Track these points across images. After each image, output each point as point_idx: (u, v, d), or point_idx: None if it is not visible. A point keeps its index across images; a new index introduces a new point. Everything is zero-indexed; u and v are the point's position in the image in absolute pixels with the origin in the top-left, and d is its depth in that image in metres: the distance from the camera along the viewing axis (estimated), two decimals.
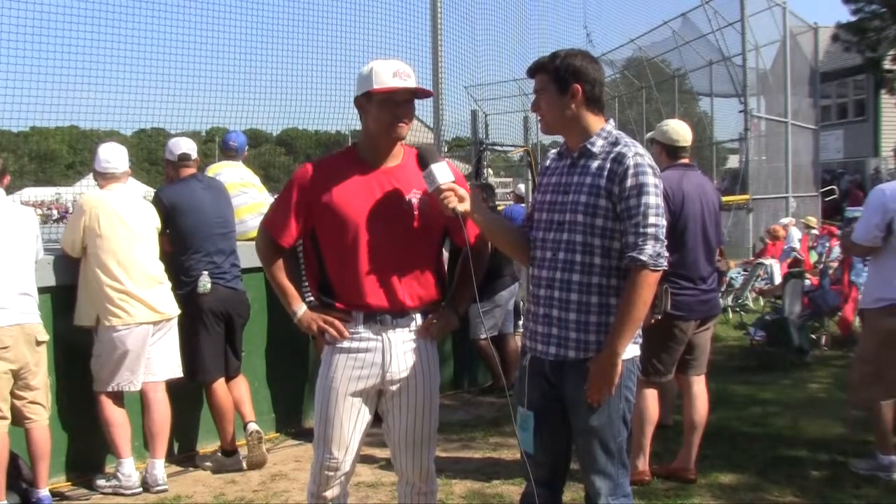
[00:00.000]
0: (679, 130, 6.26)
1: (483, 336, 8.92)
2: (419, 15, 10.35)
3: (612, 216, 3.71)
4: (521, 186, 13.62)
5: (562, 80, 3.80)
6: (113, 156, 6.36)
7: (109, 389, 6.19)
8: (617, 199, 3.69)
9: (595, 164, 3.78)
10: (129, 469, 6.21)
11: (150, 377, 6.36)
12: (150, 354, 6.32)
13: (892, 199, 6.19)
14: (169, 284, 6.44)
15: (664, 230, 3.71)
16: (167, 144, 7.00)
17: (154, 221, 6.47)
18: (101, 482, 6.26)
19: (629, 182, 3.65)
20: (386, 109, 3.88)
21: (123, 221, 6.20)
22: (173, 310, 6.43)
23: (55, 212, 30.27)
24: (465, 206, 3.86)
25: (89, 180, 7.32)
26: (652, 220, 3.65)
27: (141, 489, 6.25)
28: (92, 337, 6.20)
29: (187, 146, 6.88)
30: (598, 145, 3.80)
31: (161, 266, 6.42)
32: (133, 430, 6.38)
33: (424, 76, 9.62)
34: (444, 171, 3.84)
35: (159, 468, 6.35)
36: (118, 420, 6.22)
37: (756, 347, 11.05)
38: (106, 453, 6.56)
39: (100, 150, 6.38)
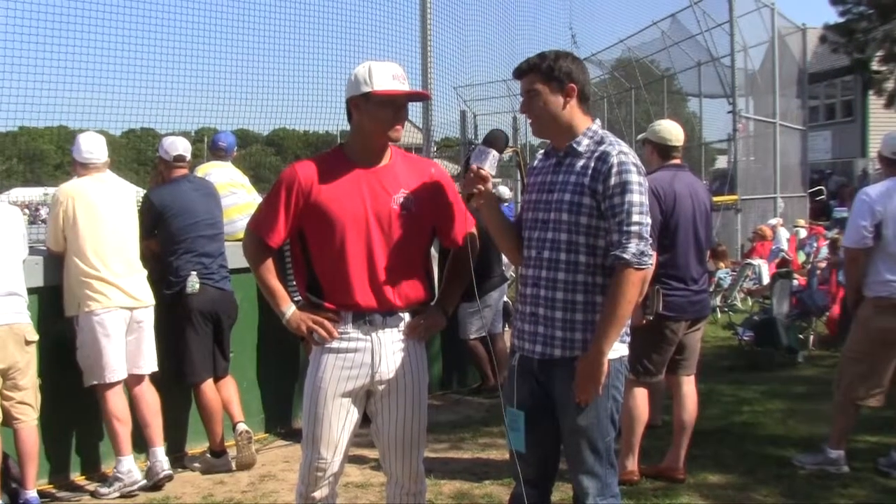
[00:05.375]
0: (671, 130, 6.28)
1: (472, 336, 8.93)
2: (408, 16, 10.35)
3: (597, 214, 3.73)
4: (502, 189, 13.65)
5: (556, 80, 3.81)
6: (94, 146, 6.37)
7: (97, 382, 6.16)
8: (601, 197, 3.70)
9: (580, 162, 3.80)
10: (128, 465, 6.20)
11: (136, 370, 6.37)
12: (134, 347, 6.33)
13: (877, 201, 6.22)
14: (145, 273, 6.45)
15: (648, 228, 3.72)
16: (161, 143, 6.98)
17: (132, 210, 6.49)
18: (103, 489, 6.22)
19: (613, 180, 3.67)
20: (386, 112, 3.90)
21: (99, 209, 6.21)
22: (149, 298, 6.43)
23: (43, 212, 30.16)
24: (481, 201, 3.90)
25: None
26: (636, 217, 3.66)
27: (144, 481, 6.25)
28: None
29: (183, 147, 6.88)
30: (583, 144, 3.82)
31: (138, 254, 6.43)
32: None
33: (414, 77, 9.63)
34: (493, 162, 3.89)
35: (161, 455, 6.38)
36: (121, 415, 6.21)
37: (744, 347, 11.09)
38: (95, 454, 6.57)
39: (80, 140, 6.37)
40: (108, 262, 6.17)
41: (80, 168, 6.37)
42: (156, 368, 6.51)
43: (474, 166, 3.86)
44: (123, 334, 6.25)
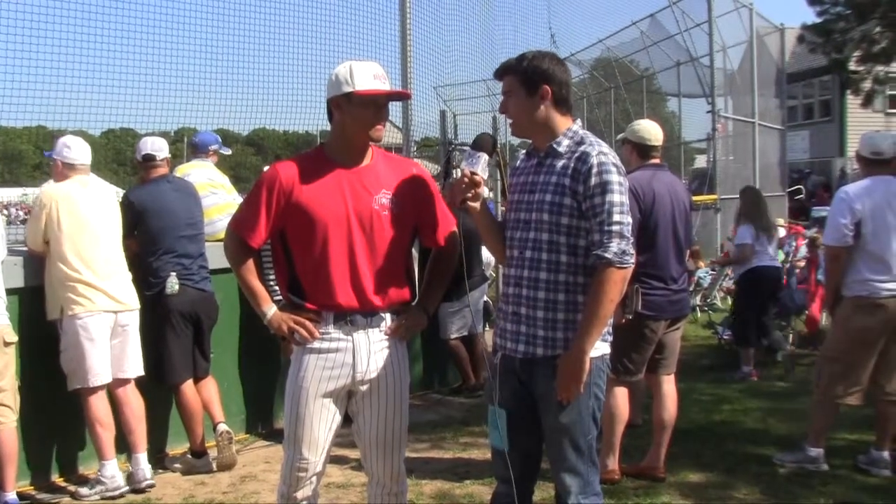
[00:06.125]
0: (651, 130, 6.30)
1: (453, 336, 8.94)
2: (388, 16, 10.34)
3: (578, 214, 3.75)
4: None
5: (530, 81, 3.83)
6: (82, 148, 6.34)
7: (81, 386, 6.12)
8: (582, 197, 3.72)
9: (560, 163, 3.82)
10: (112, 471, 6.17)
11: (121, 374, 6.33)
12: (119, 351, 6.29)
13: (856, 199, 6.27)
14: (130, 276, 6.42)
15: (629, 228, 3.74)
16: (137, 144, 6.96)
17: (116, 213, 6.45)
18: (84, 490, 6.19)
19: (593, 181, 3.69)
20: (368, 111, 3.91)
21: (84, 213, 6.17)
22: (134, 301, 6.40)
23: (21, 213, 30.02)
24: (476, 204, 3.92)
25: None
26: (617, 217, 3.68)
27: (127, 488, 6.22)
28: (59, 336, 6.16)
29: (153, 147, 6.83)
30: (564, 145, 3.84)
31: (123, 257, 6.40)
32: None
33: (394, 76, 9.62)
34: (485, 166, 3.91)
35: (144, 462, 6.34)
36: (105, 420, 6.18)
37: (724, 346, 11.13)
38: (77, 456, 6.55)
39: (68, 142, 6.33)
40: (92, 265, 6.13)
41: (67, 169, 6.31)
42: (141, 372, 6.47)
43: (467, 171, 3.86)
44: (108, 338, 6.21)
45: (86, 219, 6.18)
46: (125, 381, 6.38)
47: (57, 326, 6.16)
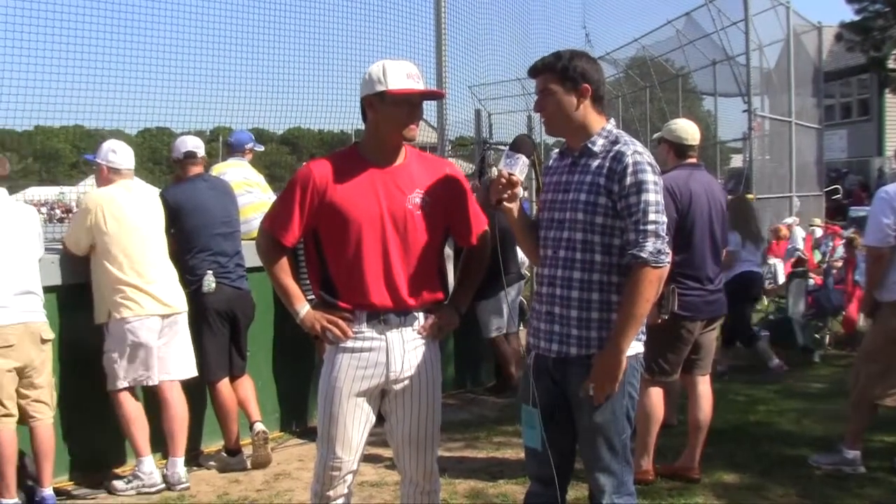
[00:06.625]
0: (688, 129, 6.26)
1: (493, 334, 8.92)
2: (423, 15, 10.35)
3: (612, 214, 3.73)
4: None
5: (571, 80, 3.82)
6: (121, 151, 6.39)
7: (124, 386, 6.18)
8: (617, 196, 3.71)
9: (595, 162, 3.81)
10: (149, 467, 6.22)
11: (166, 376, 6.37)
12: (164, 353, 6.33)
13: None
14: (177, 278, 6.46)
15: (664, 227, 3.72)
16: (173, 143, 7.01)
17: (161, 216, 6.48)
18: (119, 484, 6.23)
19: (628, 180, 3.68)
20: (402, 111, 3.90)
21: (129, 217, 6.21)
22: (182, 304, 6.43)
23: (58, 211, 30.25)
24: (512, 205, 3.92)
25: (93, 179, 7.31)
26: (652, 216, 3.67)
27: (164, 485, 6.26)
28: (99, 336, 6.21)
29: (193, 144, 6.89)
30: (598, 144, 3.83)
31: (169, 260, 6.43)
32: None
33: (429, 75, 9.62)
34: (524, 168, 3.89)
35: (180, 466, 6.36)
36: (136, 417, 6.22)
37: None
38: (111, 452, 6.59)
39: (114, 146, 6.38)
40: (139, 268, 6.17)
41: (112, 174, 6.36)
42: (193, 373, 6.54)
43: (505, 172, 3.86)
44: (155, 341, 6.26)
45: (132, 223, 6.21)
46: (171, 383, 6.41)
47: (102, 328, 6.21)
